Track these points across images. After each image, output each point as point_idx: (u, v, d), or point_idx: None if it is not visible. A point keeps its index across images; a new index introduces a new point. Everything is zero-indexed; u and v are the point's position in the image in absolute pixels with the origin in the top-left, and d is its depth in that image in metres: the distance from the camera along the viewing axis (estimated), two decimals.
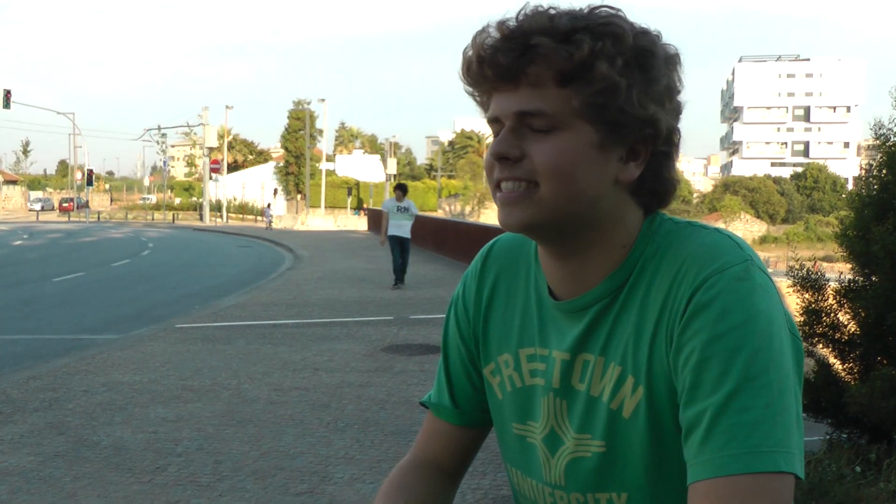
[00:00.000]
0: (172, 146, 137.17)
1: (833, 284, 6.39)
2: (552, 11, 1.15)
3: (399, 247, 17.16)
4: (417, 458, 1.47)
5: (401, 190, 17.36)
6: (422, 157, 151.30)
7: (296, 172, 76.45)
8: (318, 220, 60.52)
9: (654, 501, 1.21)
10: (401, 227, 16.99)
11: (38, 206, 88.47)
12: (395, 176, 77.72)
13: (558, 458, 1.28)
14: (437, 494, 1.42)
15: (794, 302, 6.51)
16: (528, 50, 1.13)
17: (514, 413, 1.35)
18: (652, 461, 1.19)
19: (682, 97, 1.22)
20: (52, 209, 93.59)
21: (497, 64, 1.15)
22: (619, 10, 1.17)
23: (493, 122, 1.21)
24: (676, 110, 1.21)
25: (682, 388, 1.11)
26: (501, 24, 1.16)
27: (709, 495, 1.04)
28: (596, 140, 1.16)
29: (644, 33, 1.17)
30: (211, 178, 72.96)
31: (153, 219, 75.45)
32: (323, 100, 74.31)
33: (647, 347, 1.17)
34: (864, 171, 6.42)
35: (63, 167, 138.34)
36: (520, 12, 1.16)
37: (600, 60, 1.12)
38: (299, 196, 75.99)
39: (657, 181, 1.21)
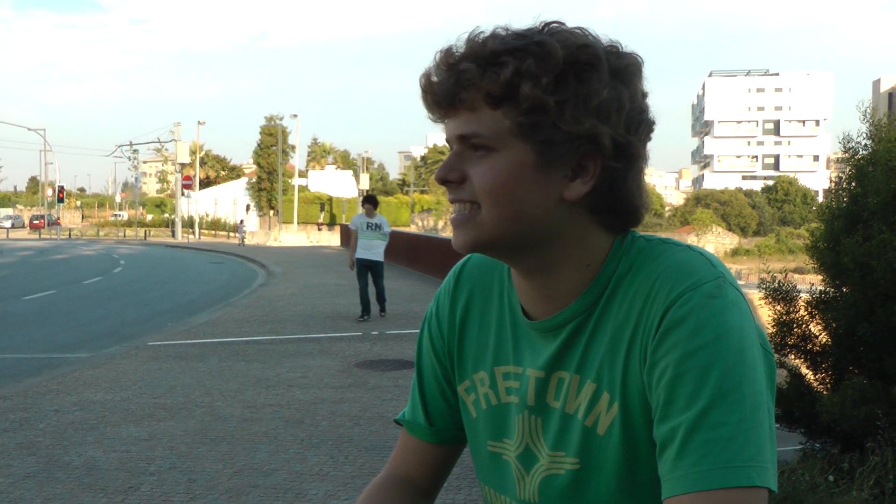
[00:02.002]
0: (144, 162, 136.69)
1: (804, 296, 6.44)
2: (487, 35, 1.17)
3: (369, 272, 14.54)
4: (391, 474, 1.48)
5: (371, 203, 14.64)
6: (394, 173, 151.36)
7: (268, 188, 76.22)
8: (291, 236, 60.30)
9: None
10: (371, 249, 14.41)
11: (8, 224, 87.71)
12: (365, 191, 77.68)
13: (532, 475, 1.28)
14: None
15: (765, 314, 6.55)
16: (460, 76, 1.16)
17: (489, 430, 1.35)
18: (626, 477, 1.19)
19: (644, 109, 1.20)
20: (23, 226, 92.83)
21: (434, 92, 1.19)
22: (563, 24, 1.18)
23: (448, 145, 1.24)
24: (630, 123, 1.18)
25: (656, 405, 1.12)
26: (444, 53, 1.19)
27: None
28: (532, 159, 1.16)
29: (584, 47, 1.16)
30: (183, 194, 72.55)
31: (125, 235, 74.84)
32: (295, 115, 74.10)
33: (622, 364, 1.18)
34: (833, 184, 6.49)
35: (34, 184, 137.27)
36: (467, 38, 1.18)
37: (525, 80, 1.13)
38: (272, 212, 75.75)
39: (612, 198, 1.19)
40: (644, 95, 1.21)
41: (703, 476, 1.04)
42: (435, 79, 1.19)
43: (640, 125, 1.19)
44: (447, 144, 1.23)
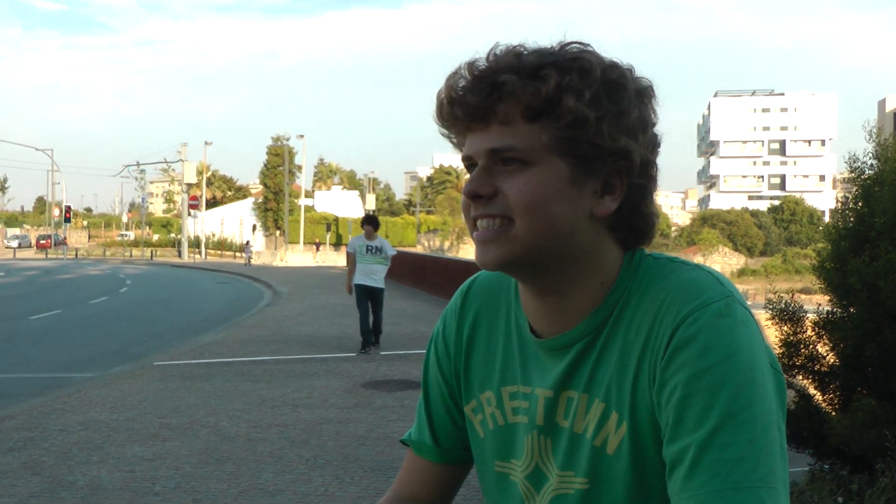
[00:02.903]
0: (151, 182, 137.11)
1: (811, 316, 6.41)
2: (520, 50, 1.17)
3: (368, 299, 13.25)
4: (397, 495, 1.47)
5: (371, 225, 13.31)
6: (400, 193, 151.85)
7: (274, 208, 76.36)
8: (297, 256, 60.42)
9: None
10: (371, 275, 13.13)
11: (15, 243, 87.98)
12: (372, 211, 77.68)
13: (542, 495, 1.27)
14: None
15: (772, 334, 6.52)
16: (496, 88, 1.15)
17: (496, 451, 1.34)
18: (635, 497, 1.19)
19: (658, 130, 1.22)
20: (30, 246, 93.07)
21: (467, 104, 1.17)
22: (588, 45, 1.18)
23: (467, 161, 1.22)
24: (651, 143, 1.20)
25: (666, 425, 1.11)
26: (471, 65, 1.18)
27: None
28: (568, 174, 1.16)
29: (613, 66, 1.17)
30: (189, 214, 72.78)
31: (131, 255, 75.05)
32: (302, 136, 74.30)
33: (631, 384, 1.17)
34: (840, 204, 6.47)
35: (41, 204, 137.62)
36: (490, 52, 1.18)
37: (567, 94, 1.13)
38: (278, 232, 75.85)
39: (635, 216, 1.21)
40: (657, 117, 1.22)
41: (713, 497, 1.03)
42: (463, 91, 1.17)
43: (657, 146, 1.22)
44: (470, 159, 1.21)
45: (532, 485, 1.29)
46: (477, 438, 1.38)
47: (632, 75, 1.19)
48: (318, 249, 66.43)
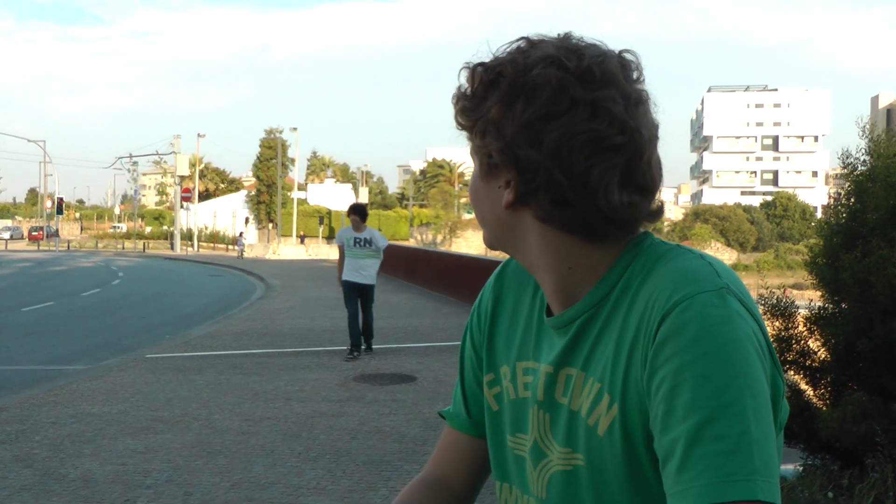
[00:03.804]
0: (143, 174, 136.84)
1: (803, 312, 6.43)
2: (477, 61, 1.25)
3: (357, 296, 12.04)
4: (429, 474, 1.52)
5: (357, 215, 12.02)
6: (393, 186, 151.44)
7: (267, 201, 76.24)
8: (290, 249, 60.30)
9: None
10: (361, 270, 11.97)
11: (6, 235, 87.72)
12: (367, 205, 77.46)
13: (540, 470, 1.29)
14: None
15: None
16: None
17: (509, 425, 1.37)
18: (627, 479, 1.18)
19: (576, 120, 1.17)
20: (22, 238, 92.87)
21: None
22: (535, 37, 1.23)
23: None
24: (537, 138, 1.18)
25: (656, 416, 1.10)
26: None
27: None
28: (480, 170, 1.27)
29: (530, 67, 1.19)
30: (182, 206, 72.59)
31: (123, 248, 74.83)
32: (295, 128, 74.20)
33: (624, 367, 1.18)
34: (832, 200, 6.49)
35: (33, 195, 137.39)
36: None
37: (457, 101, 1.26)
38: (271, 225, 75.76)
39: (555, 207, 1.19)
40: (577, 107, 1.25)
41: (705, 490, 1.02)
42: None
43: (558, 141, 1.23)
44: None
45: (532, 460, 1.31)
46: (490, 412, 1.41)
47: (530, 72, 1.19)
48: (301, 242, 66.31)
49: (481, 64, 1.23)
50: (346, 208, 12.65)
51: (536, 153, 1.18)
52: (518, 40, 1.23)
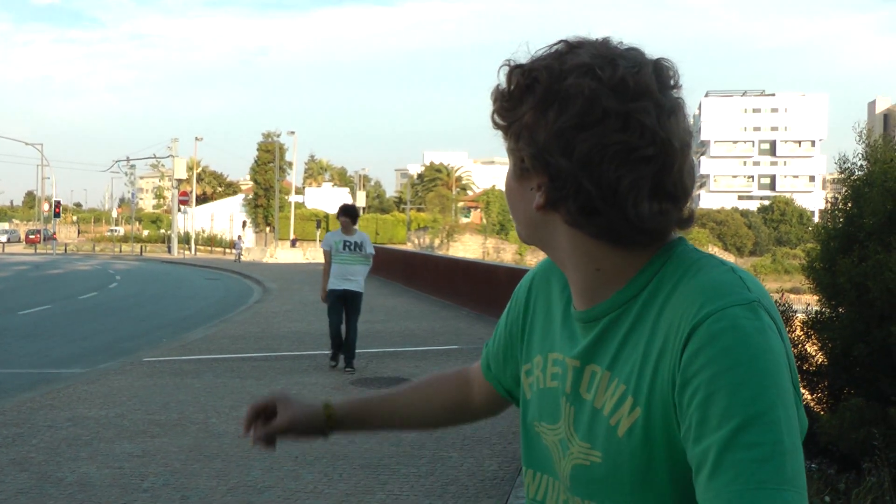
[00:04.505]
0: (141, 178, 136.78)
1: (800, 316, 6.44)
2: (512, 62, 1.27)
3: (343, 306, 11.11)
4: (466, 370, 1.73)
5: (348, 216, 11.12)
6: (391, 190, 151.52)
7: (265, 205, 76.27)
8: (287, 253, 60.29)
9: None
10: (348, 277, 11.04)
11: (3, 238, 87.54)
12: (364, 209, 77.44)
13: (565, 461, 1.32)
14: (455, 402, 1.72)
15: None
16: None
17: (537, 412, 1.41)
18: (641, 483, 1.19)
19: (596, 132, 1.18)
20: (19, 241, 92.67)
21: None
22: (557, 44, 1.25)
23: None
24: (569, 146, 1.19)
25: (689, 426, 1.11)
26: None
27: None
28: (513, 171, 1.29)
29: (565, 74, 1.20)
30: (179, 210, 72.56)
31: (121, 251, 74.76)
32: (293, 132, 74.41)
33: (651, 373, 1.18)
34: (829, 205, 6.51)
35: (30, 198, 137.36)
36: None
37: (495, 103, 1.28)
38: (268, 228, 75.75)
39: (582, 215, 1.21)
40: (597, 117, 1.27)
41: (737, 497, 1.02)
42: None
43: (588, 151, 1.24)
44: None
45: (561, 448, 1.34)
46: (524, 399, 1.46)
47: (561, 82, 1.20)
48: (293, 246, 66.32)
49: (519, 66, 1.24)
50: None
51: (567, 162, 1.19)
52: (557, 43, 1.25)
